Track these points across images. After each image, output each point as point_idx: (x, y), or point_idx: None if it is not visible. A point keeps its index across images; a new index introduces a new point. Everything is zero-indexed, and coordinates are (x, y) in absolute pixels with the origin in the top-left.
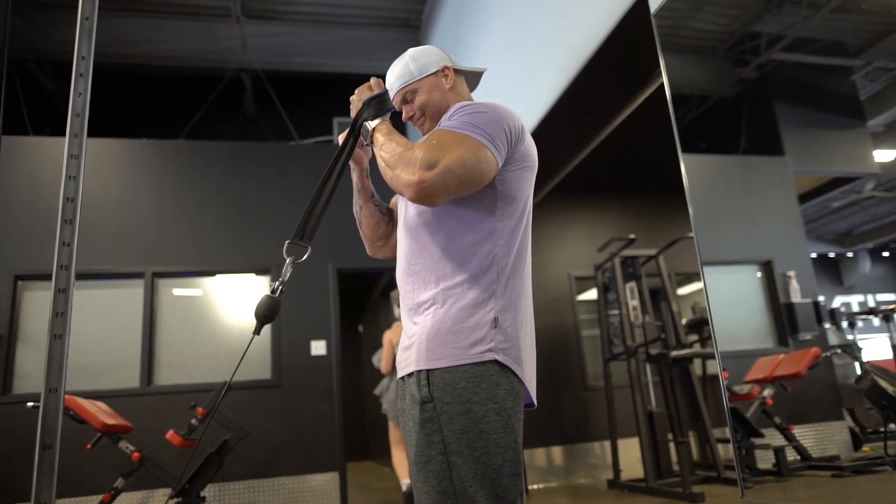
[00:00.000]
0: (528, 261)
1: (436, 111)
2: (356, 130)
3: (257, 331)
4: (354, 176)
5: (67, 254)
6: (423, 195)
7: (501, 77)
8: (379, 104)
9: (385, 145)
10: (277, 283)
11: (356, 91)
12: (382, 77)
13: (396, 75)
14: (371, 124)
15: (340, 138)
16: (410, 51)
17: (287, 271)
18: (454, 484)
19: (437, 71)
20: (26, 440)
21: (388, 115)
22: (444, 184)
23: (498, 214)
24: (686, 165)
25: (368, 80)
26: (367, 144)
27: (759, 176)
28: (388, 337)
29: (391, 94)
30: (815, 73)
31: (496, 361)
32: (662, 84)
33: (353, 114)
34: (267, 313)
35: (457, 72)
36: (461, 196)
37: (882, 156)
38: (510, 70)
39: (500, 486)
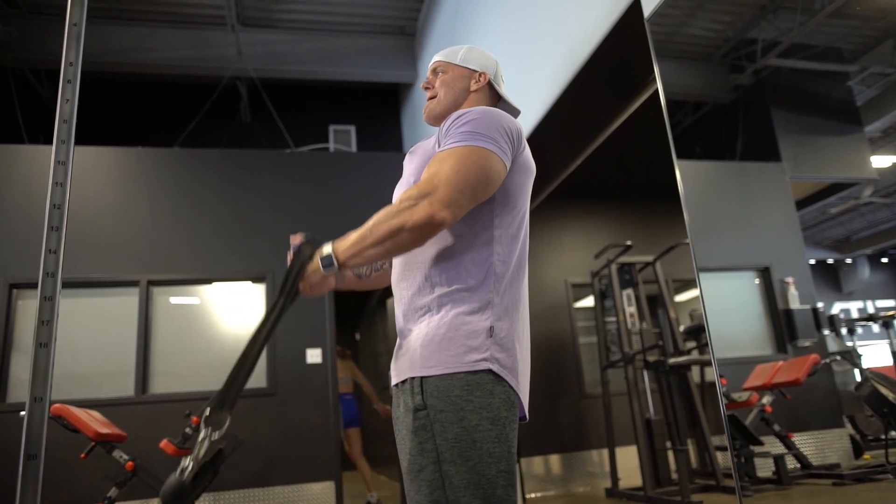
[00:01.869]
0: (525, 271)
1: (446, 96)
2: (289, 290)
3: None
4: (341, 287)
5: (54, 261)
6: (444, 213)
7: None
8: (310, 243)
9: (370, 228)
10: (189, 460)
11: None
12: (379, 87)
13: (446, 51)
14: (326, 249)
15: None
16: (473, 45)
17: (203, 446)
18: (447, 494)
19: (475, 71)
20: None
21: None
22: (454, 196)
23: (496, 222)
24: (681, 172)
25: (366, 88)
26: (338, 270)
27: (755, 182)
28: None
29: (432, 62)
30: (811, 78)
31: (490, 371)
32: (657, 90)
33: (283, 303)
34: (171, 499)
35: (492, 88)
36: (478, 203)
37: (879, 161)
38: (504, 76)
39: (493, 496)
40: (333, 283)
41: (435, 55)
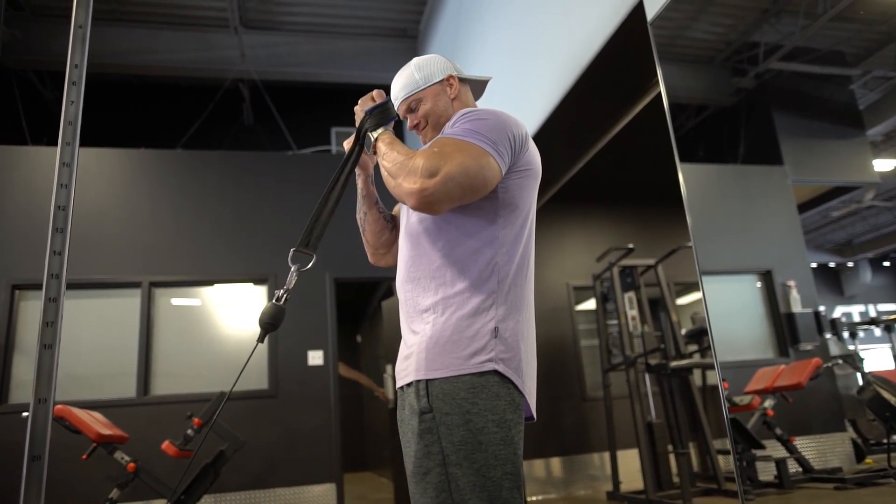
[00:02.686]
0: (530, 270)
1: (439, 120)
2: (361, 139)
3: (261, 338)
4: (359, 182)
5: (58, 263)
6: (425, 203)
7: (498, 86)
8: (381, 114)
9: (387, 154)
10: (282, 290)
11: (360, 101)
12: (385, 87)
13: (401, 84)
14: (374, 134)
15: (346, 145)
16: (415, 60)
17: (292, 279)
18: (453, 496)
19: (443, 80)
20: (23, 450)
21: (391, 124)
22: (446, 192)
23: (500, 222)
24: (684, 175)
25: (369, 90)
26: (370, 153)
27: (757, 185)
28: None
29: (396, 104)
30: (813, 82)
31: (496, 372)
32: (660, 93)
33: (357, 123)
34: (271, 321)
35: (462, 81)
36: (465, 203)
37: (882, 165)
38: (507, 79)
39: (499, 499)
40: (371, 167)
41: (395, 93)
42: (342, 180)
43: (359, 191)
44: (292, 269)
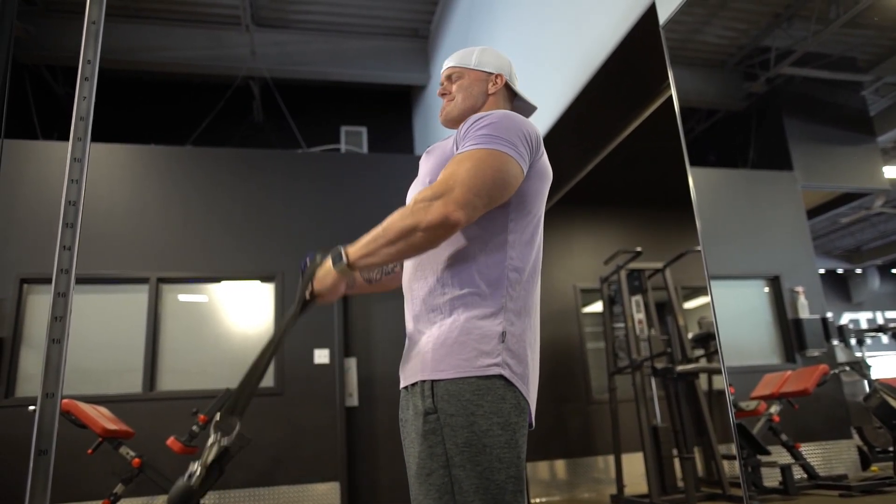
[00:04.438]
0: (538, 278)
1: (464, 101)
2: (299, 303)
3: None
4: (353, 292)
5: (68, 257)
6: (458, 214)
7: None
8: (323, 248)
9: (384, 228)
10: (197, 465)
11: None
12: (392, 88)
13: (457, 56)
14: (338, 249)
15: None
16: (485, 46)
17: (212, 451)
18: (456, 498)
19: (491, 73)
20: (30, 444)
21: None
22: (468, 197)
23: (511, 227)
24: (694, 179)
25: (379, 89)
26: (348, 268)
27: (767, 190)
28: None
29: (443, 69)
30: (824, 88)
31: (501, 376)
32: (671, 96)
33: (296, 310)
34: (178, 503)
35: (509, 88)
36: (494, 206)
37: (892, 172)
38: (518, 80)
39: (502, 501)
40: (344, 287)
41: (447, 60)
42: (275, 344)
43: (360, 294)
44: (212, 438)
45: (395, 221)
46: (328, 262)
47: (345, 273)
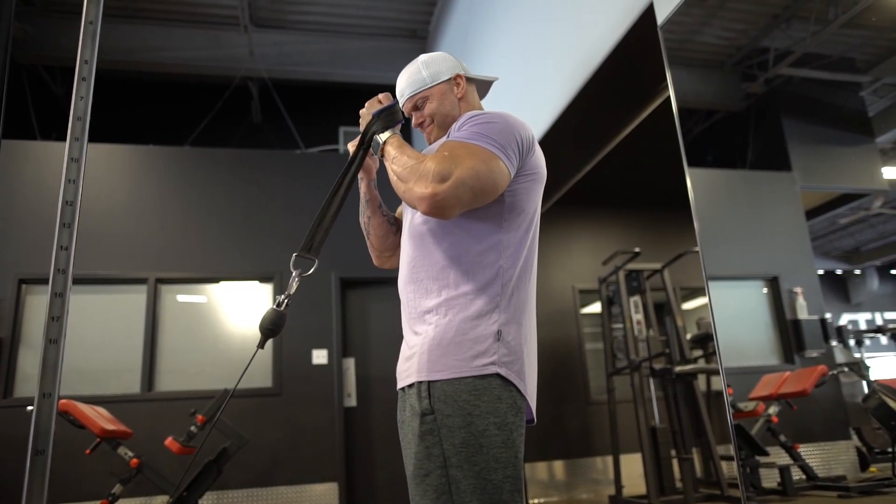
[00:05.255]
0: (533, 274)
1: (445, 119)
2: (366, 143)
3: (261, 344)
4: (363, 186)
5: (65, 258)
6: (436, 208)
7: (507, 88)
8: (389, 116)
9: (397, 158)
10: (283, 296)
11: (366, 104)
12: (391, 89)
13: (408, 82)
14: (382, 137)
15: (350, 148)
16: (422, 57)
17: (294, 284)
18: (453, 499)
19: (450, 79)
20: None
21: (399, 127)
22: (457, 196)
23: (504, 226)
24: (692, 179)
25: (378, 91)
26: (377, 157)
27: (765, 191)
28: None
29: (401, 100)
30: (823, 88)
31: (498, 375)
32: (669, 97)
33: (362, 126)
34: (271, 327)
35: (468, 80)
36: (475, 207)
37: (891, 173)
38: (516, 81)
39: (499, 501)
40: (374, 171)
41: (399, 88)
42: (346, 184)
43: (362, 195)
44: (294, 274)
45: (405, 162)
46: (385, 134)
47: (375, 152)
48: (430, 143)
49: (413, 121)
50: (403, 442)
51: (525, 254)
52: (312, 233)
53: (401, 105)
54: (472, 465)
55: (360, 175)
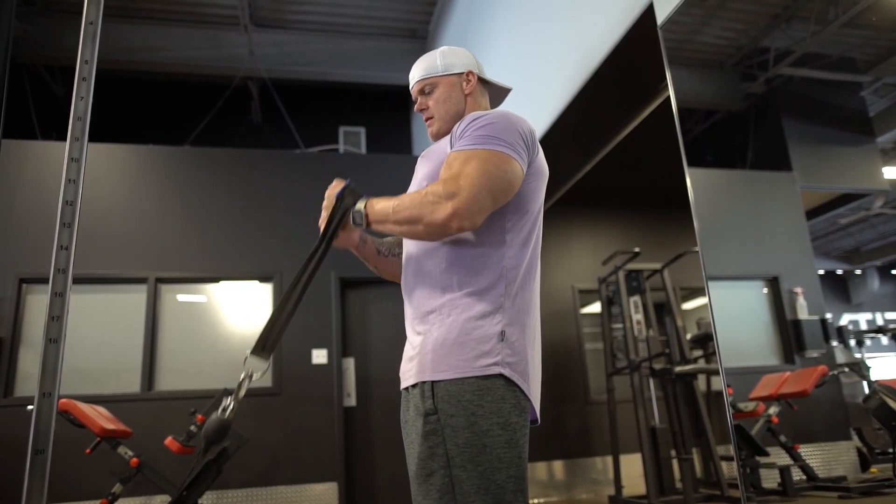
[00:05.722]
0: (537, 274)
1: (447, 112)
2: (333, 228)
3: (205, 452)
4: (356, 252)
5: (65, 257)
6: (463, 221)
7: None
8: (353, 192)
9: (396, 206)
10: (230, 400)
11: (326, 195)
12: (391, 89)
13: (422, 67)
14: (360, 205)
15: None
16: (443, 47)
17: (243, 388)
18: (456, 499)
19: (462, 73)
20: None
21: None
22: (478, 203)
23: (508, 226)
24: (692, 179)
25: (378, 90)
26: (364, 229)
27: (766, 191)
28: None
29: (412, 84)
30: (823, 88)
31: (502, 375)
32: (669, 97)
33: (323, 219)
34: (214, 437)
35: (481, 81)
36: (497, 207)
37: (891, 173)
38: (516, 81)
39: (503, 502)
40: (357, 238)
41: (413, 72)
42: (304, 280)
43: (360, 258)
44: (243, 375)
45: (406, 206)
46: (349, 215)
47: (360, 226)
48: (432, 139)
49: (416, 106)
50: (407, 442)
51: (529, 254)
52: (267, 331)
53: (410, 87)
54: (476, 466)
55: (351, 250)
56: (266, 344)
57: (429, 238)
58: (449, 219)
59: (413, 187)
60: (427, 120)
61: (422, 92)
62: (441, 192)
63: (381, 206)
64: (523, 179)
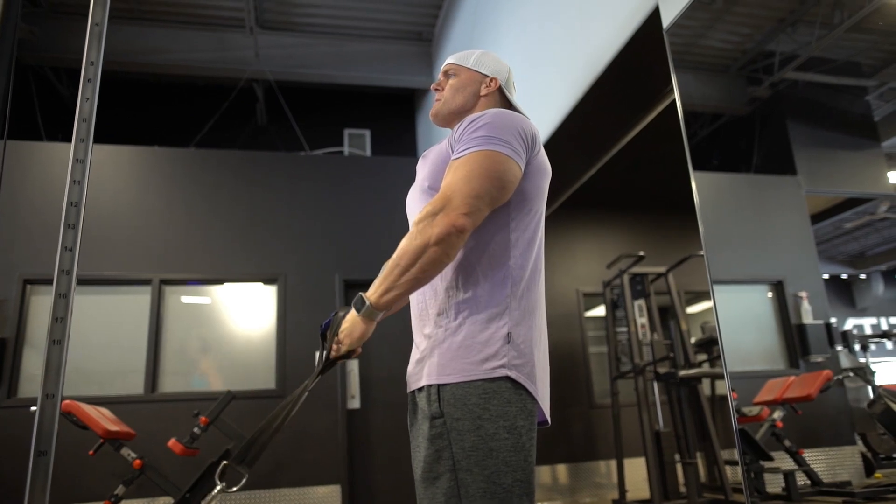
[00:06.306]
0: (542, 275)
1: (454, 100)
2: (323, 369)
3: None
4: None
5: (69, 258)
6: (465, 224)
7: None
8: (341, 307)
9: (396, 260)
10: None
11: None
12: (396, 92)
13: (459, 54)
14: (355, 305)
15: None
16: (486, 50)
17: (215, 501)
18: (462, 502)
19: (487, 76)
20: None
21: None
22: (468, 203)
23: (512, 226)
24: (697, 183)
25: (383, 93)
26: (382, 312)
27: (771, 195)
28: None
29: (443, 65)
30: (828, 92)
31: (508, 378)
32: (674, 100)
33: (318, 370)
34: None
35: (501, 94)
36: (497, 206)
37: None
38: (521, 83)
39: None
40: (372, 330)
41: (448, 58)
42: (297, 404)
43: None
44: (218, 487)
45: (404, 248)
46: (351, 313)
47: (372, 316)
48: (431, 117)
49: (434, 84)
50: (413, 444)
51: (535, 253)
52: (249, 445)
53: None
54: (482, 469)
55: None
56: (246, 457)
57: (446, 256)
58: (450, 223)
59: (414, 189)
60: (436, 99)
61: (445, 73)
62: (430, 210)
63: (380, 276)
64: (523, 177)
